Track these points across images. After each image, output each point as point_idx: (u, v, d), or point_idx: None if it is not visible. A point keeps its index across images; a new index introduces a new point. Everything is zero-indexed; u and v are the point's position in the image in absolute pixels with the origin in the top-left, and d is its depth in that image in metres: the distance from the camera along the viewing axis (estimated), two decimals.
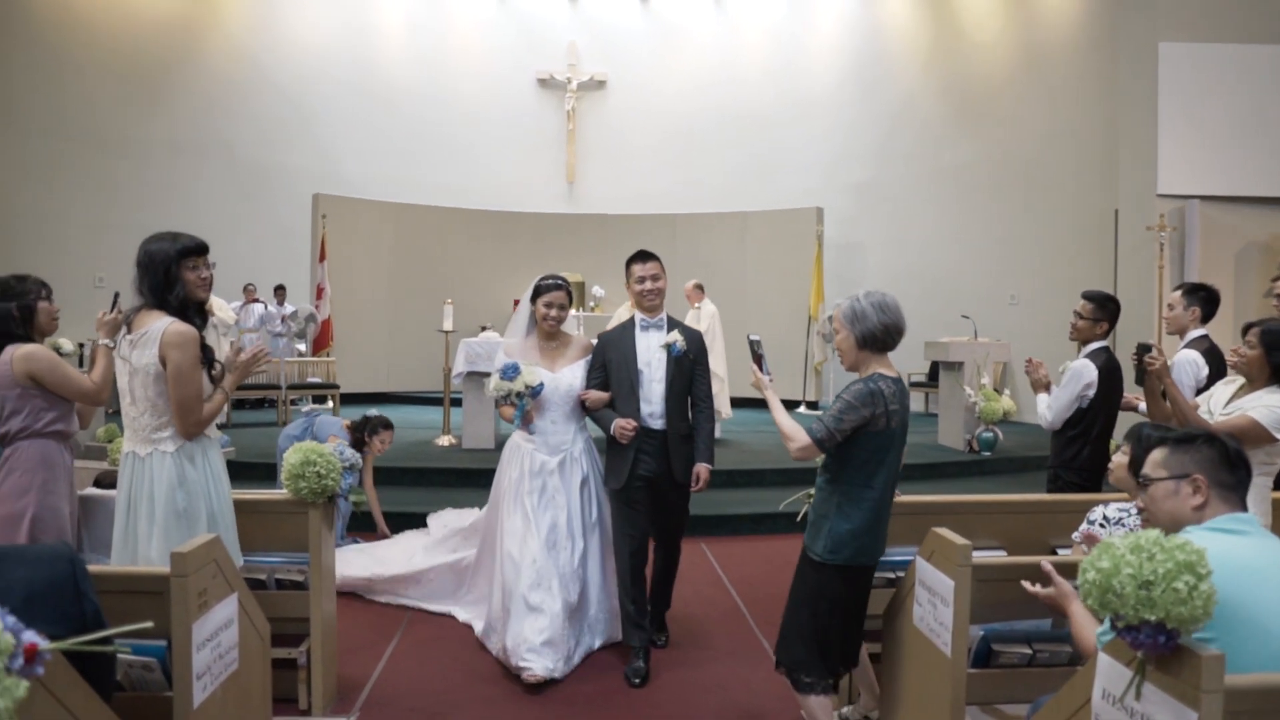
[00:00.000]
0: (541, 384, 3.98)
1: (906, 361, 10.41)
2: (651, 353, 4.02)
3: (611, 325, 10.17)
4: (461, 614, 4.62)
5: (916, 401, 11.99)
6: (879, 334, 2.84)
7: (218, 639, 2.43)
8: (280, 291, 11.82)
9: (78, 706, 1.61)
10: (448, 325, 8.73)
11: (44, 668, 1.41)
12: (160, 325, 2.87)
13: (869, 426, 2.76)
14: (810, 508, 2.99)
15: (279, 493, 3.45)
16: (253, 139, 12.73)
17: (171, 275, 2.92)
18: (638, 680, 3.87)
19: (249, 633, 2.66)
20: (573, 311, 12.50)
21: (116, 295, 3.26)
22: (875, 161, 13.03)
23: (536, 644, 3.78)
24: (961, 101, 12.21)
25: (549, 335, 4.16)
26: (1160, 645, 1.58)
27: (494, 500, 4.30)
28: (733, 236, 13.05)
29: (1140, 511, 2.21)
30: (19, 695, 1.31)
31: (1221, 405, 3.59)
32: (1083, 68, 10.56)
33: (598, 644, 4.19)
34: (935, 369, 10.24)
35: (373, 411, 5.71)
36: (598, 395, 4.04)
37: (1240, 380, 3.64)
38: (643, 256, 4.13)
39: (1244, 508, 2.04)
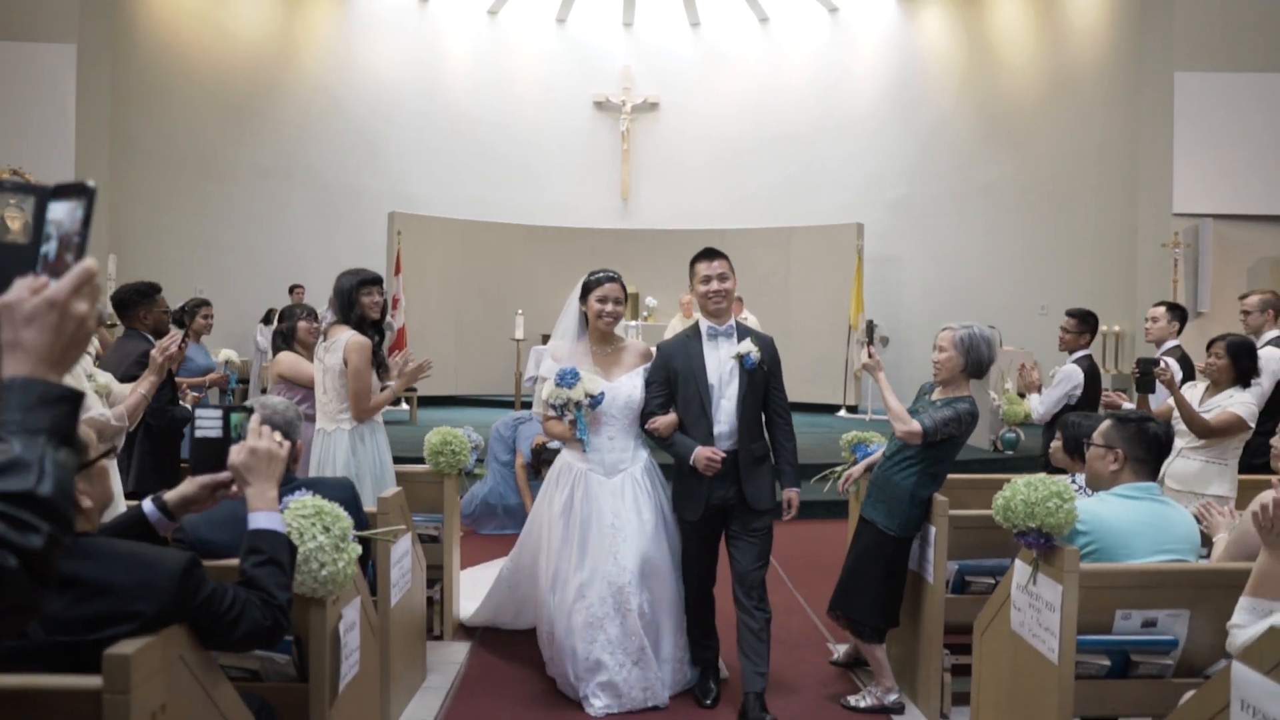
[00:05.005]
0: (603, 393, 3.57)
1: None
2: (722, 365, 3.57)
3: (667, 335, 11.09)
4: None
5: None
6: (985, 366, 3.52)
7: (402, 562, 3.41)
8: None
9: (356, 577, 2.58)
10: (519, 334, 9.73)
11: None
12: (344, 336, 3.88)
13: (958, 437, 3.51)
14: (878, 490, 3.63)
15: (421, 466, 4.43)
16: (333, 163, 13.85)
17: (352, 300, 3.93)
18: (709, 701, 3.70)
19: (415, 563, 3.63)
20: (629, 322, 13.46)
21: (316, 315, 4.33)
22: (912, 178, 13.77)
23: (600, 695, 3.49)
24: (993, 122, 12.94)
25: (604, 339, 3.72)
26: (1042, 545, 2.48)
27: (535, 523, 3.88)
28: (777, 250, 13.86)
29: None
30: (357, 553, 2.27)
31: (1197, 404, 4.42)
32: (1107, 92, 11.23)
33: (668, 693, 3.67)
34: None
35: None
36: (668, 421, 3.58)
37: (1204, 384, 4.48)
38: (708, 254, 3.67)
39: (1152, 478, 2.80)
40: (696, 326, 3.68)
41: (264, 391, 10.94)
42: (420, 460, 4.50)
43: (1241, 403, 4.15)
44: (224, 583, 1.76)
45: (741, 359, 3.54)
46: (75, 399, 1.02)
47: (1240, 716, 1.72)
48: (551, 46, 15.25)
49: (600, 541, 3.58)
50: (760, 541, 3.60)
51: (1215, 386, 4.35)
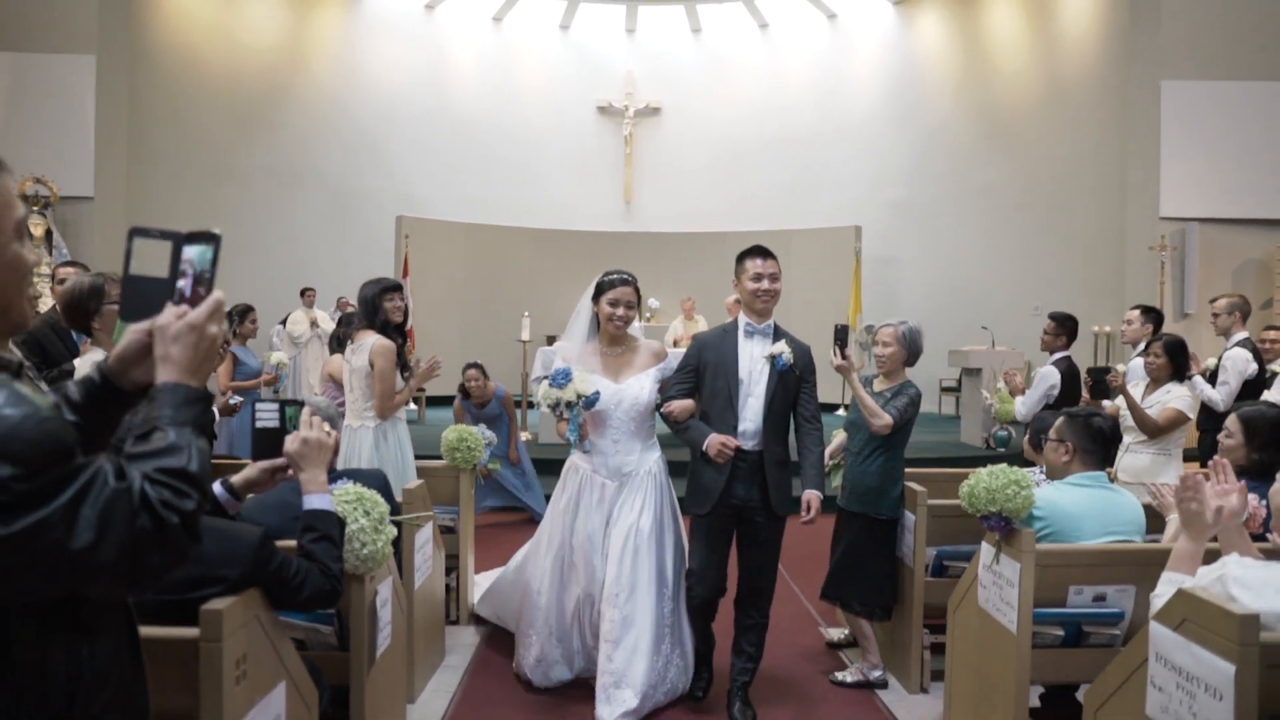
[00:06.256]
0: (597, 393, 3.50)
1: (939, 367, 11.35)
2: (754, 362, 3.52)
3: (669, 336, 11.32)
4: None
5: (947, 404, 13.03)
6: (919, 354, 4.00)
7: (424, 548, 3.70)
8: None
9: (389, 558, 2.88)
10: (525, 335, 10.00)
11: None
12: (370, 340, 4.19)
13: (913, 417, 3.91)
14: (857, 486, 3.94)
15: (437, 462, 4.73)
16: (341, 168, 14.13)
17: (375, 306, 4.24)
18: (700, 693, 3.76)
19: (436, 550, 3.93)
20: (635, 323, 13.67)
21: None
22: (910, 181, 14.04)
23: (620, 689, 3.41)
24: (990, 126, 13.21)
25: (614, 340, 3.67)
26: (1003, 528, 2.77)
27: (542, 528, 3.88)
28: (778, 252, 13.85)
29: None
30: (393, 534, 2.57)
31: (1140, 400, 4.73)
32: (1100, 98, 11.49)
33: (669, 697, 3.62)
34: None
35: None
36: (683, 405, 3.50)
37: (1145, 381, 4.81)
38: (761, 252, 3.66)
39: (1099, 467, 3.14)
40: (736, 321, 3.65)
41: (276, 392, 11.24)
42: (429, 457, 4.82)
43: (1178, 397, 4.52)
44: (289, 555, 2.08)
45: (773, 359, 3.50)
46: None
47: (1155, 666, 2.01)
48: (555, 52, 15.52)
49: (590, 548, 3.58)
50: (770, 551, 3.55)
51: (1155, 383, 4.69)
